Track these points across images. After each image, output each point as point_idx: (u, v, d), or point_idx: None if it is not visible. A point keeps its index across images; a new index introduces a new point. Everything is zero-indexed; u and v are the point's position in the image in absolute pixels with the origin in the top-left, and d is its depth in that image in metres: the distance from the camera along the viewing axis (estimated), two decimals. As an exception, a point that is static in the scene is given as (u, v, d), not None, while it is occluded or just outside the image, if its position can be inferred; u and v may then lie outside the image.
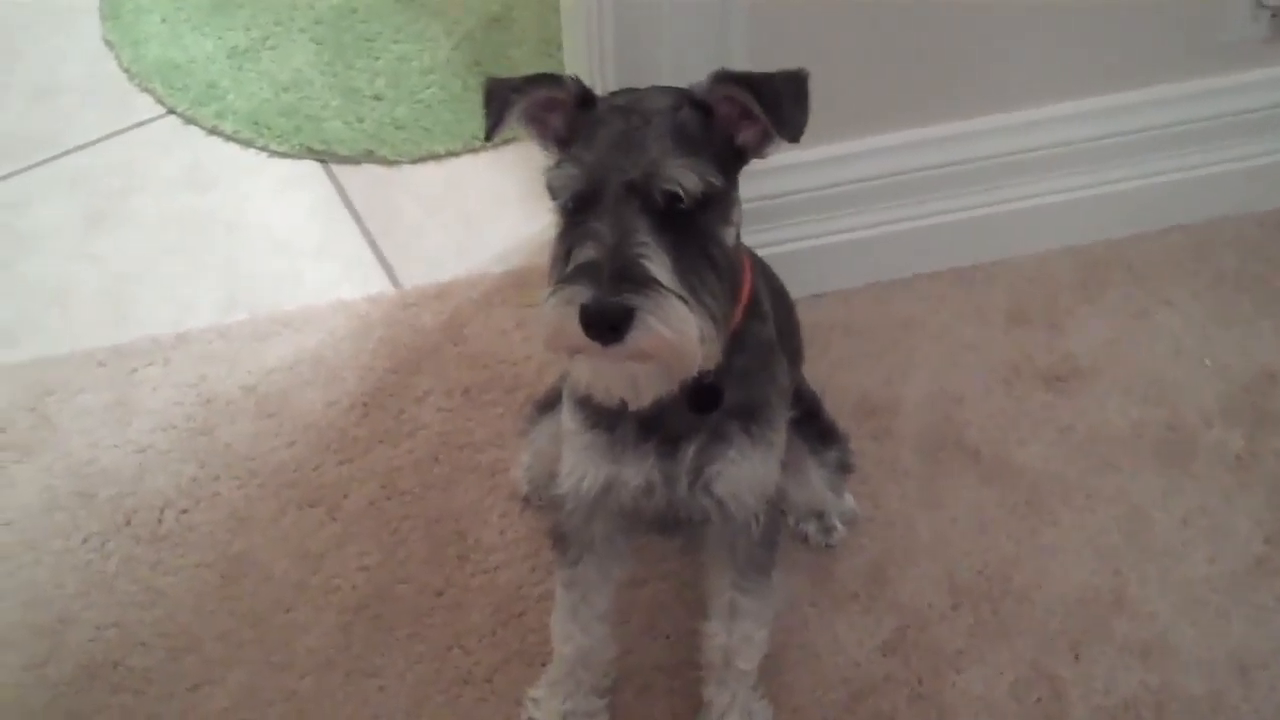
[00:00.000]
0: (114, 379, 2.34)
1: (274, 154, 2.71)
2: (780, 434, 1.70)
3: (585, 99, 1.53)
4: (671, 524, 1.78)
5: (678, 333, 1.37)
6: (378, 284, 2.50)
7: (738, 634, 1.84)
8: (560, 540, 1.81)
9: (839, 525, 2.12)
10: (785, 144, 1.47)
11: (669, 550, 2.09)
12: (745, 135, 1.51)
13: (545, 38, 2.82)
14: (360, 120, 2.72)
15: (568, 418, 1.69)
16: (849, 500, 2.13)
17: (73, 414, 2.30)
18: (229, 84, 2.80)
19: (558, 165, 1.47)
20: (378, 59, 2.84)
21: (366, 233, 2.58)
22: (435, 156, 2.70)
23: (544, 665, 1.97)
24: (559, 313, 1.37)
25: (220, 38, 2.89)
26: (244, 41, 2.88)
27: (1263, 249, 2.52)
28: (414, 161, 2.69)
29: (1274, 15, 2.26)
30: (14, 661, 2.00)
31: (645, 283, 1.37)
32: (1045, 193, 2.43)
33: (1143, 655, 2.01)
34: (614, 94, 1.55)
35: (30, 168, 2.73)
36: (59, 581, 2.09)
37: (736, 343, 1.55)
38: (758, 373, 1.64)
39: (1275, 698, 1.96)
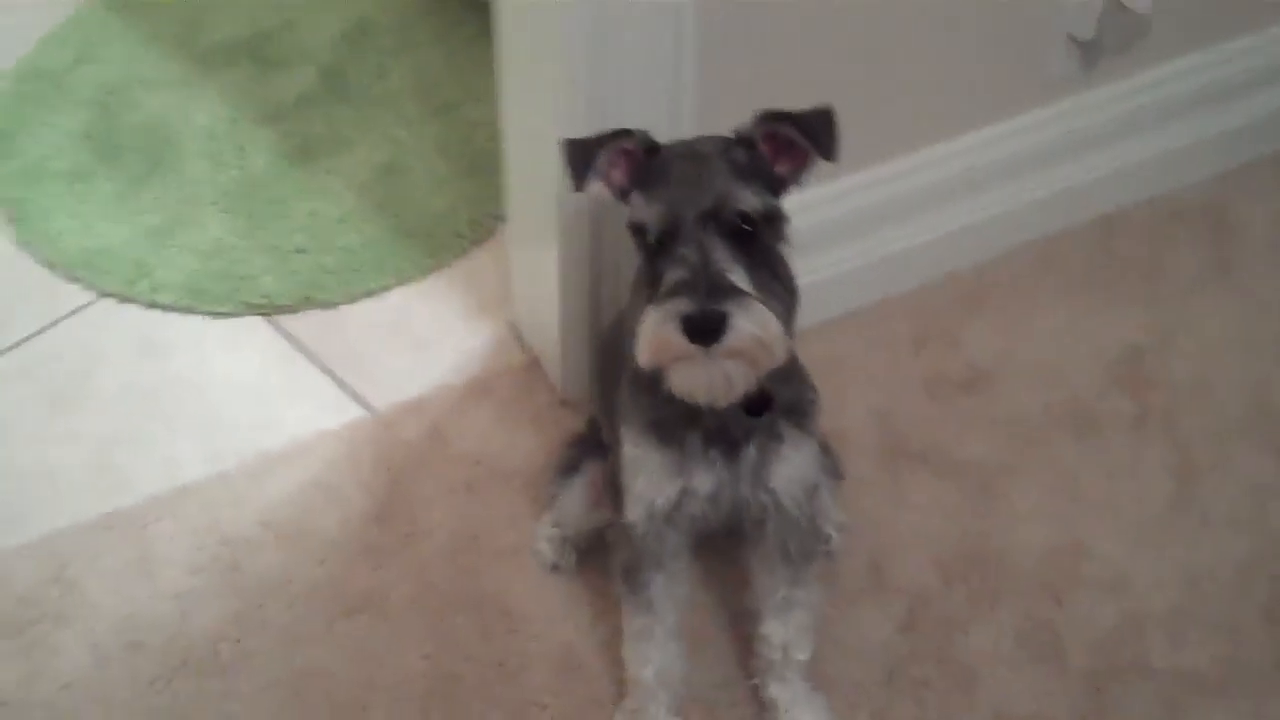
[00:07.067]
0: (128, 538, 2.42)
1: (217, 315, 2.81)
2: (818, 428, 1.96)
3: (651, 147, 1.79)
4: (733, 529, 2.02)
5: (764, 329, 1.64)
6: (352, 411, 2.63)
7: (794, 625, 2.05)
8: (631, 568, 1.99)
9: (834, 534, 2.33)
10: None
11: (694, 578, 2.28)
12: (782, 166, 1.80)
13: (437, 175, 3.05)
14: (293, 272, 2.85)
15: (633, 446, 1.90)
16: (839, 512, 2.36)
17: (98, 577, 2.37)
18: (155, 261, 2.89)
19: (646, 204, 1.73)
20: (289, 218, 2.98)
21: (326, 369, 2.71)
22: (370, 293, 2.84)
23: (615, 704, 2.16)
24: (663, 326, 1.63)
25: (133, 222, 2.98)
26: (157, 222, 2.99)
27: (1100, 249, 2.90)
28: (352, 301, 2.83)
29: (1083, 49, 2.68)
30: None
31: (732, 292, 1.63)
32: (916, 233, 2.74)
33: (1112, 590, 2.32)
34: (669, 144, 1.81)
35: (-25, 369, 2.75)
36: (136, 726, 2.17)
37: None
38: (793, 375, 1.89)
39: (1223, 598, 2.31)
